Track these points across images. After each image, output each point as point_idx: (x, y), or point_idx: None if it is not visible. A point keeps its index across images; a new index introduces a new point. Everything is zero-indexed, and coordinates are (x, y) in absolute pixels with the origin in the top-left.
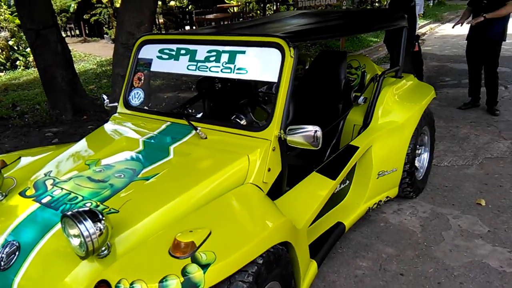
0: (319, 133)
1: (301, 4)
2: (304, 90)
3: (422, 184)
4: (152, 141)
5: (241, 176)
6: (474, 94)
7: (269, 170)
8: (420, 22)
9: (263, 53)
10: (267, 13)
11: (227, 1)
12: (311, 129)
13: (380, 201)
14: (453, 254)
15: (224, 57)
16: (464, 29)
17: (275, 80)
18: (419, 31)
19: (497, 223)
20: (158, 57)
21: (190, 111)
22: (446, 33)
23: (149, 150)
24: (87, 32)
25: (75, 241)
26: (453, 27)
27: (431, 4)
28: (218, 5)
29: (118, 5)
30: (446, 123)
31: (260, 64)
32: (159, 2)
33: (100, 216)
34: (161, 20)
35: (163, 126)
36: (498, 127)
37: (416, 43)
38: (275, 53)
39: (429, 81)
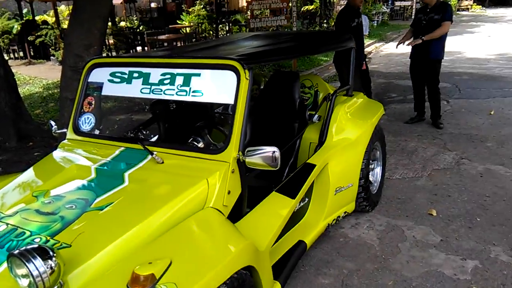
0: (277, 154)
1: (253, 25)
2: (260, 110)
3: (377, 197)
4: (105, 168)
5: (201, 200)
6: (419, 109)
7: (229, 192)
8: (365, 42)
9: (218, 75)
10: (220, 33)
11: (179, 22)
12: (269, 150)
13: (339, 216)
14: (410, 265)
15: (179, 80)
16: (407, 48)
17: (231, 102)
18: (366, 50)
19: (449, 232)
20: (109, 80)
21: (144, 132)
22: (391, 52)
23: (102, 178)
24: (32, 54)
25: (24, 282)
26: (396, 47)
27: (375, 24)
28: (170, 26)
29: (65, 26)
30: (395, 137)
31: (216, 86)
32: (109, 23)
33: (51, 253)
34: (111, 41)
35: (117, 152)
36: (443, 140)
37: (364, 62)
38: (230, 76)
39: (377, 97)
